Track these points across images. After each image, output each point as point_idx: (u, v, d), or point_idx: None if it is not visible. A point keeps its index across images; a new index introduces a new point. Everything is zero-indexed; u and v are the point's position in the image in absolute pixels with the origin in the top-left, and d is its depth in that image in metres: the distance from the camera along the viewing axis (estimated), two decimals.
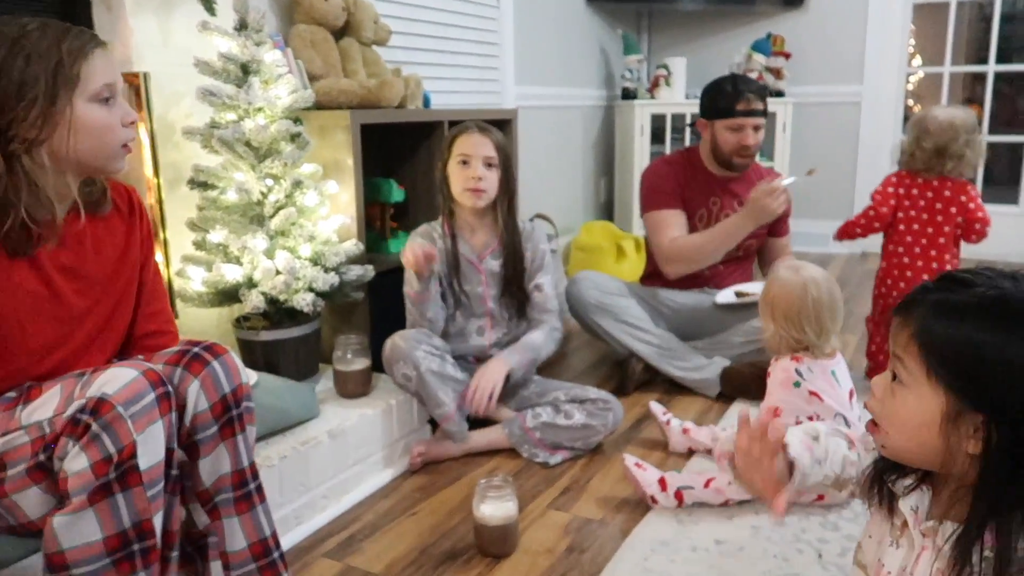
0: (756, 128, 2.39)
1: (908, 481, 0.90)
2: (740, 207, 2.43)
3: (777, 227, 2.53)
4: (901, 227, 2.32)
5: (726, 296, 2.40)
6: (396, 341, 1.88)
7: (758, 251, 2.59)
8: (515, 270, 2.06)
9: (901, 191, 2.33)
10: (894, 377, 0.87)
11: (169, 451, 1.11)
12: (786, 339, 1.69)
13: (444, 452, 1.95)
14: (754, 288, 2.37)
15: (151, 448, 1.07)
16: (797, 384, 1.65)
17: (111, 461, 1.02)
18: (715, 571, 1.46)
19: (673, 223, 2.42)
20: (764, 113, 2.41)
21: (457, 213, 2.03)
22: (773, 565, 1.47)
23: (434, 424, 2.02)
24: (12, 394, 1.19)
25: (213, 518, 1.20)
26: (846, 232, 2.42)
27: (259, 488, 1.23)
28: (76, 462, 1.02)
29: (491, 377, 1.89)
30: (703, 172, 2.49)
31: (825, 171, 4.59)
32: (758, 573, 1.45)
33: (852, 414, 1.65)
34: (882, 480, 0.94)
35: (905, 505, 0.90)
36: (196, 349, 1.19)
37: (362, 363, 1.89)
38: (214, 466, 1.19)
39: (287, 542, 1.53)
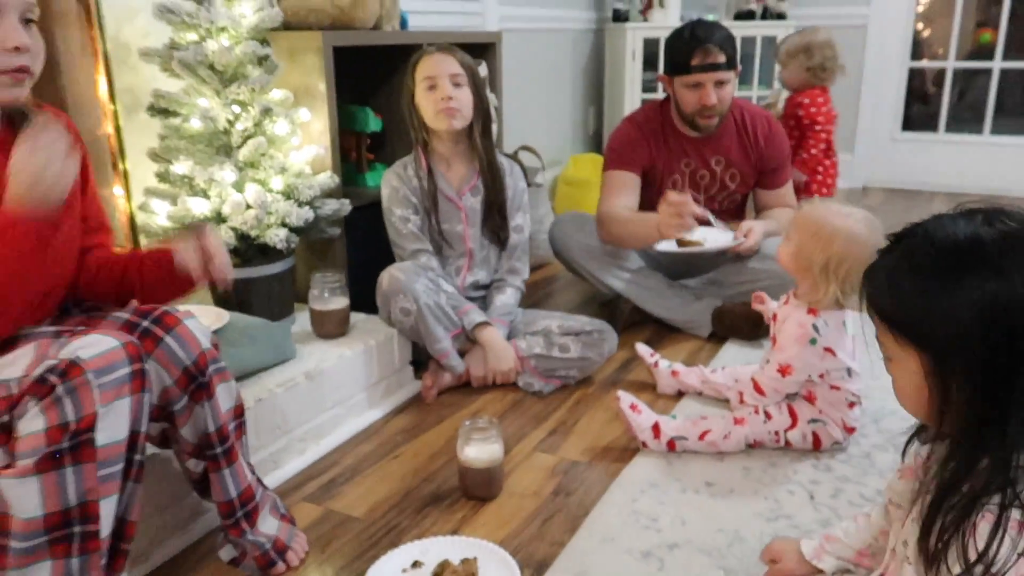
0: (720, 83, 2.26)
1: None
2: (719, 167, 2.41)
3: (769, 180, 2.48)
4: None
5: (667, 243, 2.25)
6: (394, 273, 1.90)
7: (755, 200, 2.56)
8: (496, 204, 2.07)
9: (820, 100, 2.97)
10: (885, 357, 0.91)
11: (135, 434, 1.11)
12: (825, 293, 1.59)
13: (444, 383, 2.03)
14: (704, 236, 2.23)
15: (113, 424, 1.06)
16: (813, 341, 1.61)
17: (67, 429, 1.02)
18: (705, 512, 1.51)
19: (621, 188, 2.35)
20: (730, 65, 2.27)
21: (432, 145, 2.02)
22: (764, 507, 1.52)
23: (415, 365, 2.05)
24: None
25: (209, 469, 1.28)
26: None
27: (226, 452, 1.28)
28: (32, 423, 1.01)
29: (508, 363, 1.98)
30: (674, 132, 2.41)
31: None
32: (749, 514, 1.50)
33: (856, 364, 1.67)
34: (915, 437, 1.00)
35: (911, 448, 0.95)
36: (145, 323, 1.20)
37: (340, 302, 1.90)
38: (196, 428, 1.25)
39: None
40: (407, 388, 2.03)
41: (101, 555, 1.08)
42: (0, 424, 1.07)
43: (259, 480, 1.38)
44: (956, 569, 0.81)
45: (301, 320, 1.98)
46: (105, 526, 1.08)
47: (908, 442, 1.00)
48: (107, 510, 1.08)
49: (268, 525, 1.35)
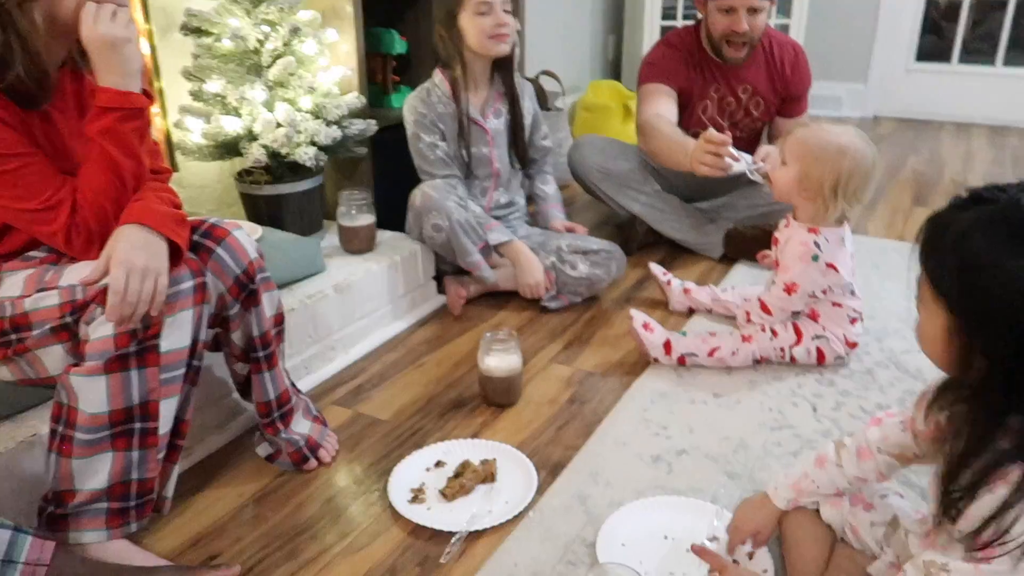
0: (752, 11, 2.14)
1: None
2: (744, 95, 2.31)
3: (790, 108, 2.39)
4: None
5: None
6: (427, 192, 1.87)
7: (772, 128, 2.46)
8: (519, 125, 2.03)
9: None
10: (917, 297, 0.86)
11: (195, 342, 1.12)
12: (831, 212, 1.55)
13: (471, 293, 2.02)
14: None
15: (177, 333, 1.08)
16: (815, 258, 1.57)
17: (135, 336, 1.03)
18: (712, 422, 1.50)
19: (661, 98, 2.25)
20: None
21: (465, 68, 1.94)
22: (769, 418, 1.52)
23: (438, 280, 2.03)
24: (38, 253, 1.18)
25: (252, 372, 1.29)
26: None
27: (268, 356, 1.28)
28: (101, 329, 1.03)
29: (536, 275, 1.94)
30: (704, 57, 2.30)
31: (842, 28, 4.39)
32: (754, 424, 1.49)
33: (855, 281, 1.64)
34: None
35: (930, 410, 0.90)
36: (195, 237, 1.18)
37: (367, 219, 1.87)
38: (244, 333, 1.26)
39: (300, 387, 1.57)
40: (431, 301, 2.02)
41: (159, 450, 1.11)
42: (63, 324, 1.08)
43: (293, 384, 1.38)
44: (966, 527, 0.77)
45: (330, 236, 1.96)
46: (164, 424, 1.10)
47: (930, 405, 0.90)
48: (167, 410, 1.10)
49: (301, 426, 1.36)
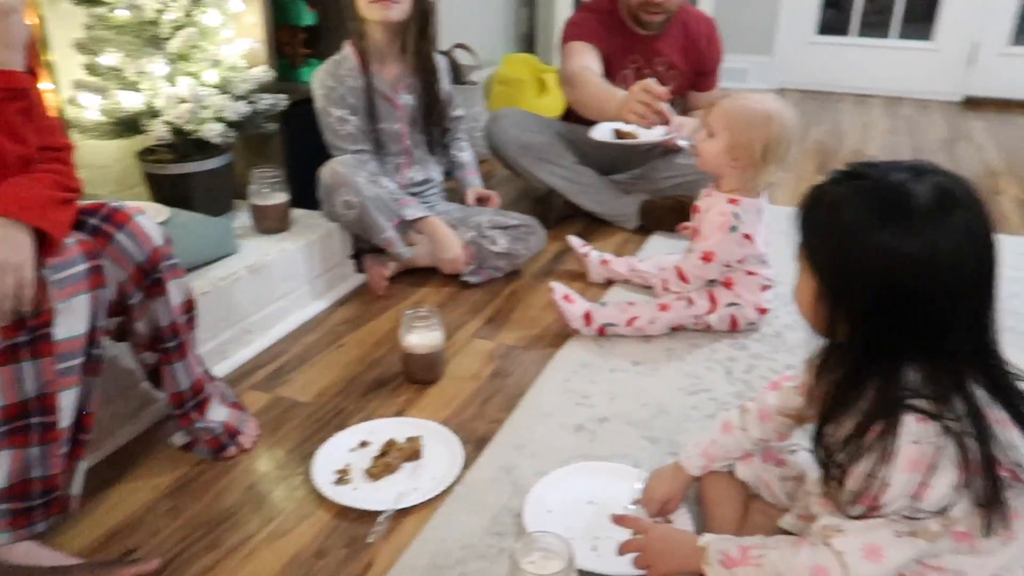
0: None
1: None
2: (661, 68, 2.34)
3: (704, 82, 2.45)
4: None
5: (603, 132, 2.23)
6: (336, 168, 1.82)
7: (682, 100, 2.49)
8: (432, 102, 1.99)
9: None
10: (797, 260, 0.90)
11: (93, 329, 1.06)
12: (762, 177, 1.58)
13: (391, 271, 1.98)
14: (639, 130, 2.13)
15: (71, 320, 1.02)
16: (734, 228, 1.62)
17: (23, 324, 0.98)
18: (632, 388, 1.54)
19: (586, 54, 2.25)
20: None
21: (368, 39, 1.90)
22: (686, 382, 1.56)
23: (357, 259, 2.00)
24: None
25: (161, 362, 1.24)
26: None
27: (178, 346, 1.24)
28: None
29: (454, 251, 1.92)
30: (623, 27, 2.32)
31: (747, 2, 4.50)
32: (673, 389, 1.54)
33: (767, 251, 1.69)
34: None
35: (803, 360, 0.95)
36: (93, 221, 1.11)
37: (280, 197, 1.82)
38: (150, 322, 1.20)
39: (215, 373, 1.52)
40: (350, 281, 1.98)
41: (60, 445, 1.05)
42: None
43: (208, 371, 1.34)
44: (853, 487, 0.80)
45: (242, 216, 1.90)
46: (64, 417, 1.05)
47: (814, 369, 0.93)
48: (66, 402, 1.04)
49: (218, 413, 1.32)
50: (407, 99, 1.98)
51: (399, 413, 1.46)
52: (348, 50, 1.91)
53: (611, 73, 2.33)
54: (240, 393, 1.50)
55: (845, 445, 0.81)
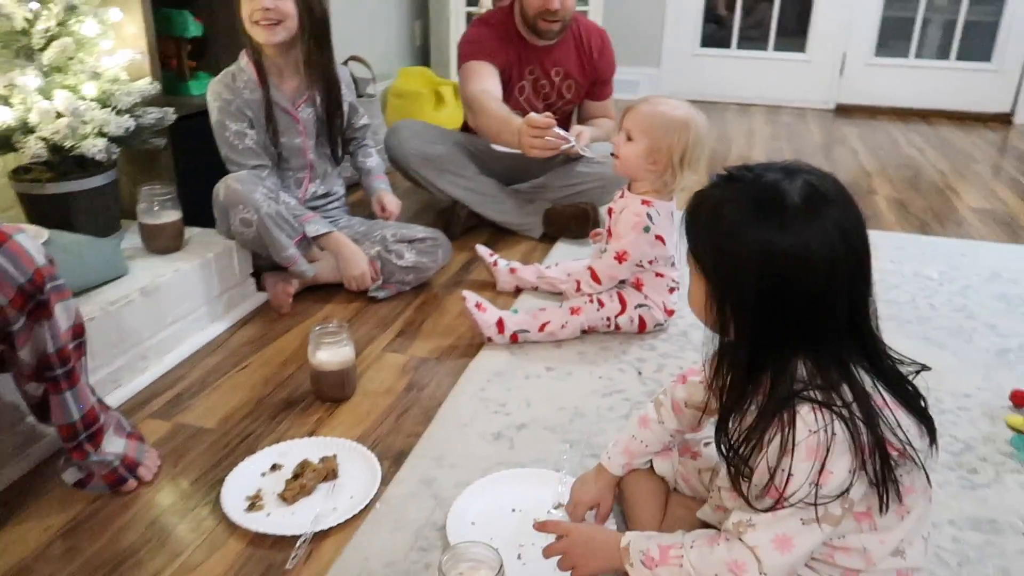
0: None
1: None
2: (557, 78, 2.38)
3: (599, 91, 2.50)
4: None
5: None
6: (231, 184, 1.75)
7: (580, 111, 2.55)
8: (333, 115, 1.95)
9: None
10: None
11: None
12: (678, 181, 1.62)
13: (295, 287, 1.91)
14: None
15: None
16: (647, 229, 1.65)
17: None
18: (547, 394, 1.55)
19: (485, 74, 2.28)
20: None
21: (263, 54, 1.84)
22: (600, 385, 1.58)
23: (256, 276, 1.93)
24: None
25: (49, 392, 1.15)
26: None
27: (67, 373, 1.15)
28: None
29: (360, 267, 1.88)
30: (520, 39, 2.35)
31: (635, 16, 4.66)
32: (587, 392, 1.55)
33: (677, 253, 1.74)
34: None
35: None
36: None
37: (172, 215, 1.73)
38: (35, 349, 1.11)
39: (109, 403, 1.43)
40: (251, 300, 1.91)
41: None
42: None
43: (101, 400, 1.25)
44: (759, 481, 0.82)
45: (131, 236, 1.79)
46: None
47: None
48: None
49: (115, 444, 1.24)
50: (308, 112, 1.93)
51: (312, 433, 1.41)
52: (245, 61, 1.85)
53: (509, 85, 2.36)
54: (138, 423, 1.41)
55: (746, 439, 0.84)
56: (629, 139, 1.65)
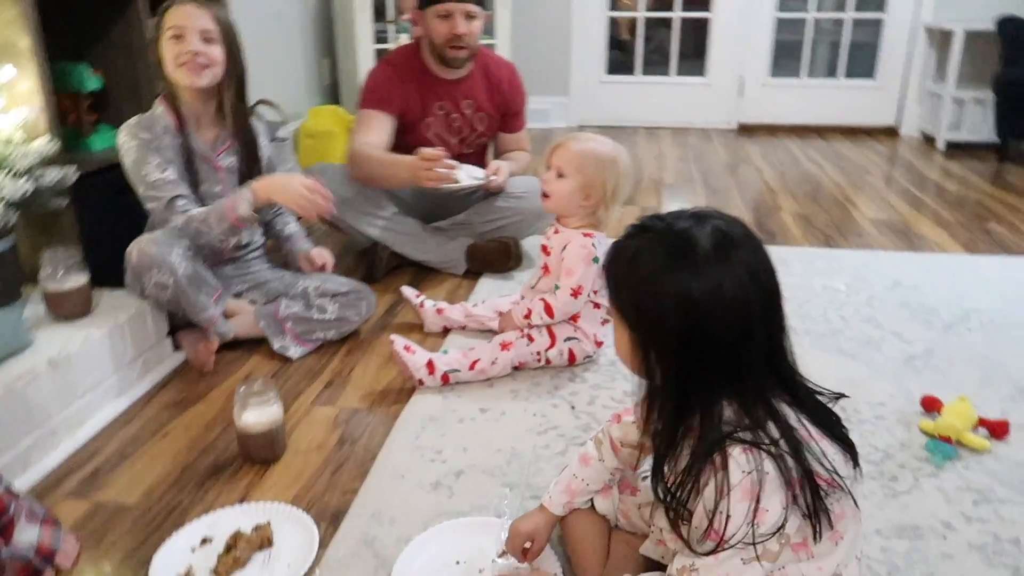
0: (469, 16, 2.25)
1: None
2: (468, 111, 2.40)
3: (510, 123, 2.52)
4: None
5: None
6: (144, 247, 1.67)
7: (496, 144, 2.57)
8: (252, 167, 1.91)
9: None
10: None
11: None
12: (610, 214, 1.69)
13: (216, 344, 1.83)
14: (455, 173, 2.18)
15: None
16: (596, 259, 1.68)
17: None
18: (483, 436, 1.54)
19: (375, 126, 2.29)
20: (479, 1, 2.28)
21: (181, 101, 1.79)
22: (534, 422, 1.58)
23: (172, 336, 1.85)
24: None
25: None
26: None
27: None
28: None
29: (301, 188, 1.78)
30: (427, 74, 2.37)
31: (542, 47, 4.75)
32: (522, 431, 1.55)
33: None
34: None
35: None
36: None
37: (78, 280, 1.65)
38: None
39: (19, 488, 1.34)
40: (168, 361, 1.83)
41: None
42: None
43: (9, 488, 1.17)
44: (699, 524, 0.83)
45: (34, 304, 1.69)
46: None
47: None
48: None
49: (27, 534, 1.16)
50: (228, 161, 1.88)
51: (242, 499, 1.36)
52: (161, 109, 1.79)
53: (416, 121, 2.37)
54: (52, 506, 1.33)
55: (681, 484, 0.85)
56: (560, 176, 1.68)
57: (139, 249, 1.68)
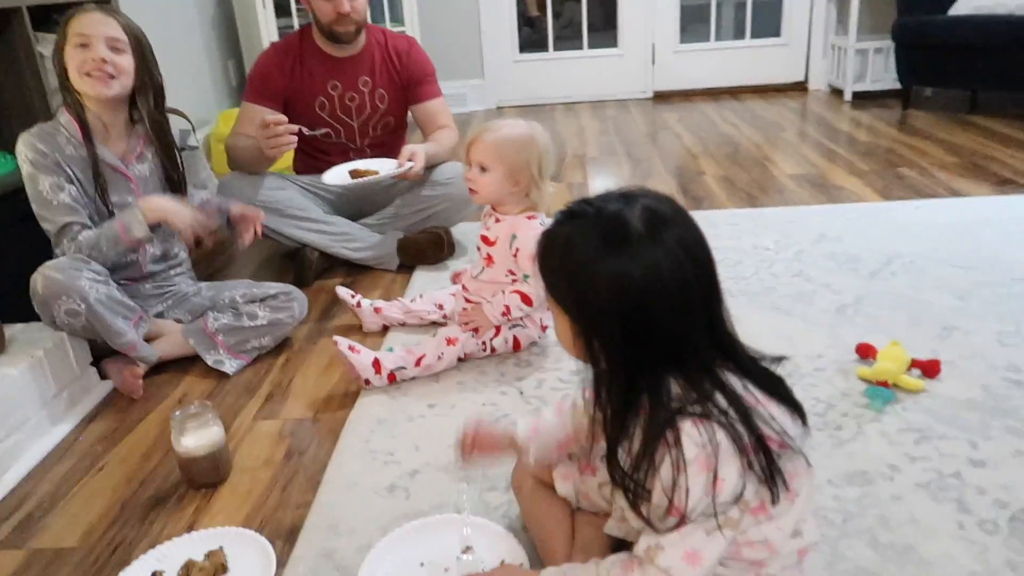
0: None
1: None
2: (366, 88, 2.35)
3: (420, 93, 2.42)
4: None
5: (337, 176, 2.23)
6: (49, 274, 1.57)
7: (416, 120, 2.50)
8: (172, 166, 1.83)
9: None
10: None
11: None
12: (543, 192, 1.67)
13: (143, 369, 1.76)
14: (372, 165, 2.25)
15: None
16: None
17: None
18: (434, 433, 1.51)
19: (247, 122, 2.26)
20: None
21: (87, 110, 1.70)
22: (484, 412, 1.57)
23: (96, 364, 1.76)
24: None
25: None
26: None
27: None
28: None
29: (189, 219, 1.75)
30: (318, 53, 2.32)
31: (453, 30, 4.69)
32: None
33: None
34: None
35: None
36: None
37: None
38: None
39: None
40: (95, 391, 1.74)
41: None
42: None
43: None
44: (659, 502, 0.83)
45: None
46: None
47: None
48: None
49: None
50: (141, 169, 1.80)
51: (191, 527, 1.30)
52: (65, 118, 1.70)
53: (305, 101, 2.33)
54: None
55: (636, 466, 0.85)
56: (484, 170, 1.66)
57: (44, 276, 1.58)
